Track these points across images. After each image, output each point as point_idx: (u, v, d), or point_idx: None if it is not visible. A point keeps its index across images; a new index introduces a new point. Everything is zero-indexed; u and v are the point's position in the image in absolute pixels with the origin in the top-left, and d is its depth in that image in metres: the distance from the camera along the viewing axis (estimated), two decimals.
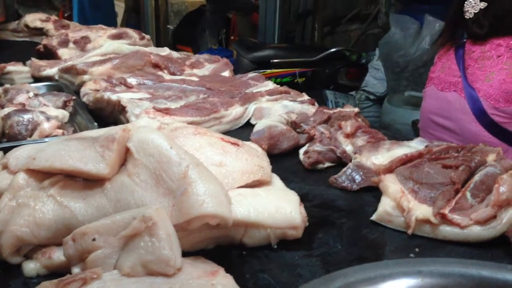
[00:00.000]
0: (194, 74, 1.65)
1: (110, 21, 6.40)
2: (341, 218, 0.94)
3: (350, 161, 1.14)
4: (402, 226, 0.88)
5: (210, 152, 0.94)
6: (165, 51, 1.80)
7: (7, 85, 1.46)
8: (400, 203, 0.88)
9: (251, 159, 0.95)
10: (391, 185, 0.92)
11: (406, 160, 0.97)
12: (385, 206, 0.90)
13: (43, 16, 2.32)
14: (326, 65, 3.89)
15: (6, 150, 1.00)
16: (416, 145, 1.11)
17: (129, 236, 0.72)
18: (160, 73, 1.62)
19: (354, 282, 0.52)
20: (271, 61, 4.00)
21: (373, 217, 0.92)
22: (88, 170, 0.81)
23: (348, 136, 1.18)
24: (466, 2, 1.67)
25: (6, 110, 1.27)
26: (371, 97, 5.00)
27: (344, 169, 1.07)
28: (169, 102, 1.31)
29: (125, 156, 0.85)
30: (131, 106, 1.24)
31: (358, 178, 1.04)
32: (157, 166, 0.81)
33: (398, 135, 1.31)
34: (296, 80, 3.89)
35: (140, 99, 1.30)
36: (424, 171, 0.93)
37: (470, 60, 1.69)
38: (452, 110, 1.70)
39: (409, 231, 0.86)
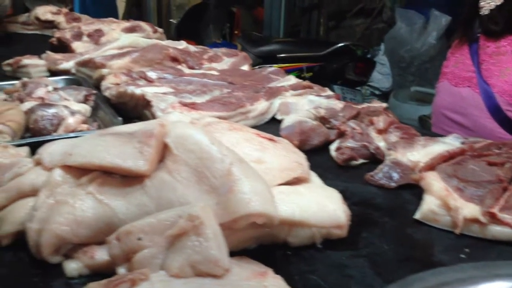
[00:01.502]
0: (213, 68, 1.62)
1: (111, 15, 6.35)
2: (383, 217, 0.91)
3: (384, 157, 1.11)
4: (448, 226, 0.86)
5: (248, 148, 0.91)
6: (181, 44, 1.77)
7: (25, 79, 1.43)
8: (447, 202, 0.85)
9: (289, 155, 0.93)
10: (435, 183, 0.89)
11: (448, 157, 0.94)
12: (430, 204, 0.87)
13: (54, 8, 2.28)
14: (334, 60, 3.86)
15: (32, 146, 0.98)
16: (451, 141, 1.09)
17: (175, 236, 0.69)
18: (179, 67, 1.59)
19: (434, 286, 0.49)
20: (277, 55, 3.96)
21: (417, 216, 0.89)
22: (128, 166, 0.78)
23: (380, 132, 1.16)
24: None
25: (27, 105, 1.24)
26: (376, 92, 4.99)
27: (381, 166, 1.05)
28: (194, 97, 1.28)
29: (163, 152, 0.83)
30: (156, 100, 1.21)
31: (395, 175, 1.02)
32: (199, 162, 0.78)
33: None
34: (303, 75, 3.86)
35: (165, 93, 1.27)
36: (469, 169, 0.90)
37: (485, 55, 1.66)
38: (466, 106, 1.68)
39: (457, 231, 0.83)
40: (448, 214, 0.85)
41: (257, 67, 3.98)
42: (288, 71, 3.90)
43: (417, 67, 4.66)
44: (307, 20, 4.97)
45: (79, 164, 0.80)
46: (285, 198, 0.83)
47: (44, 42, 2.02)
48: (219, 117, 1.21)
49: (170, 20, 6.07)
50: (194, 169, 0.78)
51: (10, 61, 1.63)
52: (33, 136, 1.14)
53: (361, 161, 1.12)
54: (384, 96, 4.84)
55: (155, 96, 1.23)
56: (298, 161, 0.93)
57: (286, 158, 0.92)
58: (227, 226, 0.74)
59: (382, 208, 0.94)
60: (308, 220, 0.81)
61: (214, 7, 5.28)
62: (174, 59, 1.60)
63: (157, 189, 0.78)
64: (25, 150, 0.97)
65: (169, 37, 5.68)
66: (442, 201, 0.86)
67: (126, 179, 0.80)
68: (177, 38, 5.33)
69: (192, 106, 1.21)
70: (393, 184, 1.01)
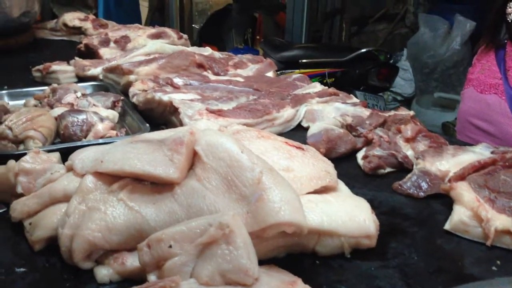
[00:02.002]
0: (238, 75, 1.63)
1: (134, 20, 6.42)
2: (412, 227, 0.90)
3: (412, 166, 1.10)
4: (479, 237, 0.84)
5: (276, 157, 0.91)
6: (207, 51, 1.78)
7: (55, 85, 1.45)
8: (478, 213, 0.84)
9: (318, 164, 0.93)
10: (466, 193, 0.88)
11: (479, 167, 0.93)
12: (461, 215, 0.86)
13: (81, 15, 2.32)
14: (356, 66, 3.84)
15: (63, 152, 0.99)
16: (481, 151, 1.07)
17: (205, 244, 0.70)
18: (204, 73, 1.60)
19: None
20: (300, 61, 3.96)
21: (447, 227, 0.88)
22: (158, 174, 0.79)
23: (408, 140, 1.15)
24: (508, 4, 1.62)
25: (57, 111, 1.26)
26: (399, 98, 4.94)
27: (409, 175, 1.04)
28: (221, 104, 1.29)
29: (193, 159, 0.83)
30: (183, 107, 1.22)
31: (424, 185, 1.00)
32: (228, 171, 0.78)
33: None
34: (325, 81, 3.85)
35: (192, 100, 1.28)
36: (501, 179, 0.89)
37: (511, 61, 1.63)
38: (492, 113, 1.65)
39: (488, 243, 0.82)
40: (479, 225, 0.84)
41: (278, 72, 4.00)
42: (310, 77, 3.90)
43: (441, 73, 4.61)
44: (329, 26, 4.95)
45: (111, 171, 0.81)
46: (314, 207, 0.82)
47: (71, 48, 2.05)
48: (246, 124, 1.22)
49: (193, 25, 6.12)
50: (224, 177, 0.79)
51: (40, 67, 1.66)
52: (63, 141, 1.16)
53: (388, 169, 1.11)
54: (406, 102, 4.80)
55: (182, 103, 1.24)
56: (326, 170, 0.92)
57: (314, 166, 0.92)
58: (256, 235, 0.74)
59: (411, 218, 0.93)
60: (337, 230, 0.80)
61: (236, 12, 5.31)
62: (200, 66, 1.62)
63: (187, 196, 0.78)
64: (56, 155, 0.98)
65: (192, 42, 5.73)
66: (473, 212, 0.85)
67: (157, 186, 0.81)
68: (199, 43, 5.38)
69: (219, 113, 1.21)
70: (422, 194, 1.00)
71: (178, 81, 1.47)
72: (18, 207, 0.85)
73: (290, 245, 0.81)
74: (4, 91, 1.45)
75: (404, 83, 4.98)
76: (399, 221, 0.92)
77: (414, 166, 1.09)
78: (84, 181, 0.82)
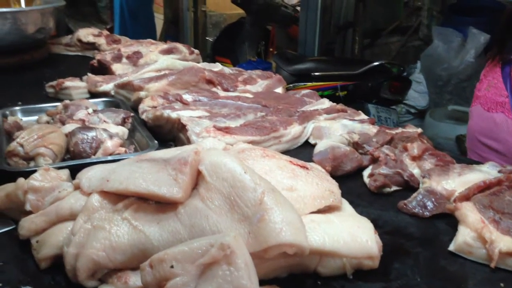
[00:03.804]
0: (248, 91, 1.64)
1: (150, 33, 6.52)
2: (416, 247, 0.90)
3: (418, 185, 1.10)
4: (484, 259, 0.84)
5: (280, 176, 0.92)
6: (217, 66, 1.80)
7: (67, 101, 1.48)
8: (482, 234, 0.84)
9: (322, 183, 0.93)
10: (470, 214, 0.88)
11: (484, 187, 0.93)
12: (465, 236, 0.86)
13: (95, 31, 2.36)
14: (369, 79, 3.84)
15: (72, 169, 1.01)
16: (488, 170, 1.07)
17: (207, 264, 0.70)
18: (214, 89, 1.62)
19: None
20: (312, 74, 3.97)
21: (451, 248, 0.88)
22: (162, 194, 0.80)
23: (414, 158, 1.15)
24: None
25: (68, 127, 1.28)
26: (412, 110, 4.92)
27: (414, 194, 1.03)
28: (228, 121, 1.30)
29: (197, 179, 0.84)
30: (191, 124, 1.23)
31: (430, 204, 1.00)
32: (231, 191, 0.79)
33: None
34: (337, 94, 3.85)
35: (200, 117, 1.30)
36: (506, 200, 0.88)
37: None
38: (500, 131, 1.62)
39: (492, 265, 0.82)
40: (484, 246, 0.84)
41: (291, 85, 4.01)
42: (322, 90, 3.92)
43: (455, 85, 4.59)
44: (342, 38, 4.96)
45: (116, 190, 0.83)
46: (316, 227, 0.83)
47: (85, 63, 2.09)
48: (253, 142, 1.23)
49: (206, 38, 6.18)
50: (227, 198, 0.79)
51: (53, 83, 1.69)
52: (72, 158, 1.18)
53: (394, 188, 1.11)
54: (420, 114, 4.78)
55: (190, 120, 1.26)
56: (330, 189, 0.93)
57: (318, 186, 0.92)
58: (258, 255, 0.75)
59: (415, 238, 0.93)
60: (339, 250, 0.81)
61: (250, 25, 5.35)
62: (210, 82, 1.63)
63: (190, 216, 0.79)
64: (66, 172, 1.00)
65: (205, 55, 5.77)
66: (477, 233, 0.85)
67: (161, 205, 0.82)
68: (213, 56, 5.43)
69: (226, 130, 1.23)
70: (427, 213, 1.00)
71: (187, 97, 1.49)
72: (26, 225, 0.86)
73: (291, 265, 0.82)
74: (17, 107, 1.48)
75: (417, 95, 4.96)
76: (403, 241, 0.92)
77: (420, 185, 1.08)
78: (90, 200, 0.83)
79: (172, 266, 0.71)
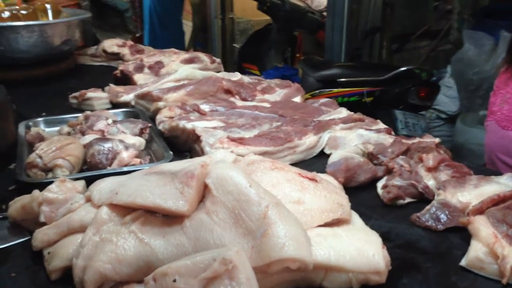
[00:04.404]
0: (266, 100, 1.64)
1: (178, 41, 6.62)
2: (427, 262, 0.88)
3: (433, 197, 1.08)
4: (496, 274, 0.82)
5: (288, 189, 0.91)
6: (236, 76, 1.81)
7: (88, 112, 1.52)
8: (494, 249, 0.81)
9: (330, 196, 0.92)
10: (483, 228, 0.85)
11: (498, 201, 0.90)
12: (477, 251, 0.84)
13: (119, 41, 2.41)
14: (396, 84, 3.79)
15: (88, 180, 1.03)
16: (506, 182, 1.04)
17: (209, 279, 0.70)
18: (232, 99, 1.62)
19: None
20: (338, 80, 3.95)
21: (463, 263, 0.85)
22: (168, 207, 0.81)
23: (430, 170, 1.12)
24: None
25: (87, 138, 1.31)
26: (442, 116, 4.82)
27: (428, 207, 1.01)
28: (243, 131, 1.31)
29: (204, 192, 0.85)
30: (205, 135, 1.24)
31: (443, 217, 0.98)
32: (236, 204, 0.80)
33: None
34: (363, 100, 3.82)
35: (214, 127, 1.31)
36: None
37: None
38: None
39: (504, 281, 0.79)
40: (495, 262, 0.81)
41: (317, 91, 4.00)
42: (348, 96, 3.89)
43: (486, 90, 4.47)
44: (369, 44, 4.91)
45: (124, 203, 0.84)
46: (322, 241, 0.82)
47: (110, 73, 2.13)
48: (267, 152, 1.23)
49: (234, 45, 6.22)
50: (232, 211, 0.80)
51: (76, 94, 1.74)
52: (89, 169, 1.20)
53: (408, 200, 1.09)
54: (450, 120, 4.67)
55: (204, 131, 1.27)
56: (339, 202, 0.92)
57: (326, 199, 0.91)
58: (261, 270, 0.75)
59: (427, 252, 0.91)
60: (345, 265, 0.80)
61: (276, 31, 5.36)
62: (228, 91, 1.64)
63: (195, 229, 0.80)
64: (81, 183, 1.02)
65: (232, 62, 5.80)
66: (489, 248, 0.82)
67: (168, 218, 0.83)
68: (239, 62, 5.46)
69: (240, 141, 1.23)
70: (440, 227, 0.97)
71: (205, 107, 1.50)
72: (39, 236, 0.89)
73: (296, 280, 0.81)
74: (40, 118, 1.53)
75: (448, 100, 4.85)
76: (414, 255, 0.90)
77: (435, 197, 1.06)
78: (99, 213, 0.85)
79: (174, 280, 0.72)
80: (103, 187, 0.91)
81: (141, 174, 0.92)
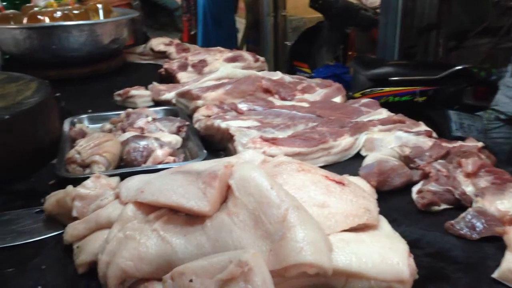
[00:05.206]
0: (305, 100, 1.62)
1: (231, 38, 6.68)
2: (457, 272, 0.84)
3: (470, 204, 1.03)
4: None
5: (313, 192, 0.90)
6: (277, 75, 1.80)
7: (130, 109, 1.55)
8: None
9: (357, 200, 0.90)
10: None
11: None
12: (510, 263, 0.79)
13: (166, 40, 2.46)
14: (451, 84, 3.65)
15: (122, 176, 1.05)
16: None
17: (224, 280, 0.70)
18: (270, 98, 1.62)
19: None
20: (390, 78, 3.85)
21: (495, 275, 0.81)
22: (190, 206, 0.81)
23: (469, 175, 1.07)
24: None
25: (127, 135, 1.35)
26: (502, 117, 4.59)
27: (463, 214, 0.97)
28: (277, 131, 1.30)
29: (227, 193, 0.85)
30: (239, 135, 1.24)
31: (479, 225, 0.93)
32: (257, 206, 0.79)
33: None
34: (416, 99, 3.71)
35: (249, 127, 1.31)
36: None
37: None
38: None
39: None
40: None
41: (368, 90, 3.92)
42: (400, 95, 3.78)
43: None
44: (425, 41, 4.75)
45: (148, 201, 0.85)
46: (344, 247, 0.80)
47: (156, 71, 2.18)
48: (300, 153, 1.22)
49: (285, 42, 6.19)
50: (252, 213, 0.79)
51: (120, 92, 1.79)
52: (125, 166, 1.23)
53: (444, 206, 1.04)
54: (510, 121, 4.45)
55: (238, 130, 1.27)
56: (366, 207, 0.89)
57: (352, 203, 0.89)
58: (278, 274, 0.74)
59: (458, 262, 0.87)
60: (367, 272, 0.77)
61: (328, 29, 5.29)
62: (267, 91, 1.64)
63: (216, 230, 0.80)
64: (116, 180, 1.05)
65: (284, 59, 5.77)
66: None
67: (190, 218, 0.83)
68: (290, 60, 5.43)
69: (273, 141, 1.22)
70: (475, 236, 0.93)
71: (242, 106, 1.50)
72: (70, 231, 0.92)
73: (316, 285, 0.80)
74: (85, 115, 1.58)
75: (508, 101, 4.61)
76: (444, 264, 0.86)
77: (473, 204, 1.01)
78: (125, 210, 0.86)
79: (191, 280, 0.72)
80: (130, 185, 0.92)
81: (168, 173, 0.93)
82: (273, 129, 1.31)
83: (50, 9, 2.17)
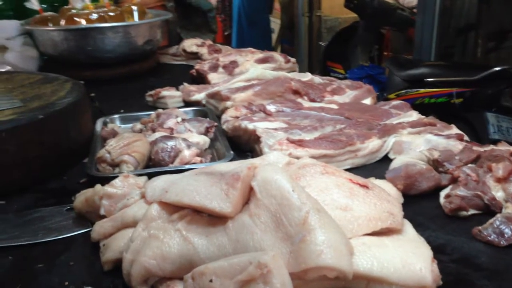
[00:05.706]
0: (334, 101, 1.61)
1: (266, 39, 6.70)
2: (482, 279, 0.82)
3: (500, 209, 1.00)
4: None
5: (337, 195, 0.89)
6: (306, 76, 1.80)
7: (160, 110, 1.58)
8: None
9: (381, 204, 0.89)
10: None
11: None
12: None
13: (198, 41, 2.49)
14: (489, 85, 3.56)
15: (150, 176, 1.08)
16: None
17: (244, 281, 0.71)
18: (299, 100, 1.61)
19: None
20: (425, 79, 3.79)
21: None
22: (213, 207, 0.82)
23: (499, 180, 1.05)
24: None
25: (156, 135, 1.37)
26: None
27: (491, 220, 0.94)
28: (304, 133, 1.30)
29: (249, 194, 0.86)
30: (265, 136, 1.25)
31: (508, 232, 0.91)
32: (278, 208, 0.79)
33: None
34: (452, 101, 3.63)
35: (275, 129, 1.31)
36: None
37: None
38: None
39: None
40: None
41: (403, 91, 3.86)
42: (436, 97, 3.71)
43: None
44: (463, 42, 4.64)
45: (172, 201, 0.87)
46: (366, 251, 0.79)
47: (188, 72, 2.21)
48: (326, 155, 1.21)
49: (319, 42, 6.17)
50: (274, 215, 0.80)
51: (152, 92, 1.82)
52: (153, 165, 1.26)
53: (472, 212, 1.02)
54: None
55: (265, 131, 1.27)
56: (389, 211, 0.88)
57: (376, 206, 0.88)
58: (298, 276, 0.74)
59: (484, 269, 0.85)
60: (388, 277, 0.77)
61: (363, 29, 5.24)
62: (296, 92, 1.64)
63: (237, 231, 0.81)
64: (144, 179, 1.07)
65: (318, 59, 5.73)
66: None
67: (213, 218, 0.85)
68: (324, 61, 5.40)
69: (300, 143, 1.22)
70: (503, 242, 0.90)
71: (270, 107, 1.51)
72: (97, 229, 0.95)
73: None
74: (117, 115, 1.61)
75: None
76: (469, 271, 0.85)
77: (502, 210, 0.99)
78: (150, 209, 0.88)
79: (211, 280, 0.73)
80: (156, 185, 0.94)
81: (192, 173, 0.94)
82: (300, 130, 1.30)
83: (86, 11, 2.23)
